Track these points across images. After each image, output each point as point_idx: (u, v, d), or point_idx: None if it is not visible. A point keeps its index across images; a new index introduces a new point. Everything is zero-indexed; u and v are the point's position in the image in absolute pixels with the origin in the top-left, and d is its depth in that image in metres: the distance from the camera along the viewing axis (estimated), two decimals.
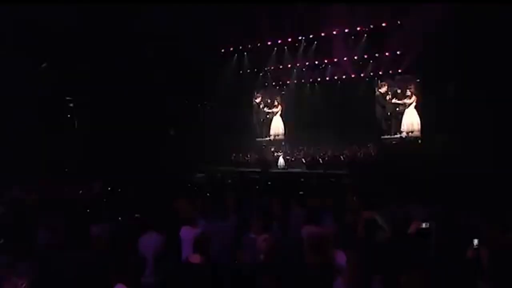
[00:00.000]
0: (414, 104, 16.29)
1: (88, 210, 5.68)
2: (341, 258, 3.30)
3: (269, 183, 8.64)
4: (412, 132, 16.35)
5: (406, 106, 16.66)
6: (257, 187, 6.99)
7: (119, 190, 8.41)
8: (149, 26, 13.33)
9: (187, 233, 4.38)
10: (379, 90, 16.82)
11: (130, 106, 13.82)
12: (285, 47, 17.13)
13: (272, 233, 4.01)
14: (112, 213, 5.45)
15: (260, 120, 20.03)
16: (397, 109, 17.09)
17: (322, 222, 4.36)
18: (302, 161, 15.76)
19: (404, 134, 16.50)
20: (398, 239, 3.51)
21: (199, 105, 18.40)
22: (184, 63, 15.62)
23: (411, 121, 16.39)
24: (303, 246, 3.49)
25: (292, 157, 16.38)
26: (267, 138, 19.60)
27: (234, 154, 17.30)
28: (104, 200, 7.31)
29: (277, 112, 19.62)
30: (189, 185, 9.96)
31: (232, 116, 18.62)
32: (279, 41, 16.88)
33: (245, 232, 4.11)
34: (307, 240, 3.48)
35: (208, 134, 17.22)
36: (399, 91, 16.97)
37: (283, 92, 19.61)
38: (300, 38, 16.51)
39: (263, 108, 20.04)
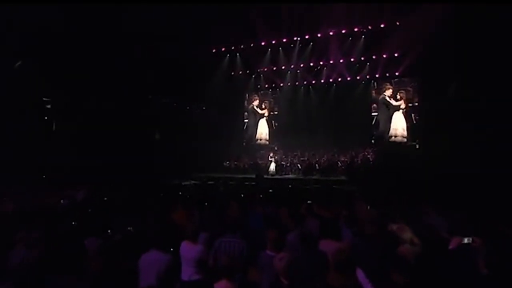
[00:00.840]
0: (403, 108, 16.27)
1: (73, 223, 5.13)
2: (361, 276, 2.98)
3: (271, 190, 8.18)
4: (395, 136, 16.31)
5: (396, 109, 16.58)
6: (260, 196, 6.51)
7: (105, 198, 7.83)
8: (137, 24, 13.02)
9: (188, 250, 3.92)
10: (384, 93, 16.57)
11: (113, 108, 13.48)
12: (280, 48, 16.89)
13: (289, 248, 3.62)
14: (100, 225, 4.93)
15: (254, 124, 19.83)
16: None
17: (340, 235, 3.98)
18: (297, 166, 15.45)
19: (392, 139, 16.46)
20: (436, 256, 3.16)
21: (187, 107, 18.09)
22: (173, 63, 15.40)
23: (395, 125, 16.41)
24: (324, 264, 3.14)
25: (287, 163, 16.03)
26: (254, 143, 19.35)
27: (226, 160, 17.05)
28: (90, 210, 6.74)
29: (263, 116, 19.28)
30: (180, 193, 9.55)
31: (223, 119, 18.53)
32: (274, 42, 16.63)
33: (257, 247, 3.69)
34: (333, 259, 3.11)
35: (198, 138, 16.92)
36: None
37: (274, 95, 19.42)
38: (295, 38, 16.24)
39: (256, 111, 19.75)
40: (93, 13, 12.26)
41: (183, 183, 12.65)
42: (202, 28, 14.71)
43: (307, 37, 15.97)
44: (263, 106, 19.55)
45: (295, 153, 17.14)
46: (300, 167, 15.35)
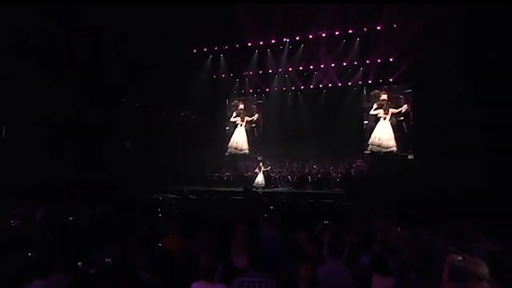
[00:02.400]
0: (388, 118, 16.10)
1: (29, 254, 4.11)
2: None
3: (272, 207, 7.41)
4: (372, 144, 16.16)
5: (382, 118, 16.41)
6: (265, 215, 5.71)
7: (69, 218, 6.73)
8: (107, 19, 12.37)
9: None
10: (380, 97, 16.33)
11: (77, 112, 12.53)
12: (268, 50, 16.33)
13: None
14: (67, 256, 3.96)
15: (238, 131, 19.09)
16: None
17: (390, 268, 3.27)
18: (288, 178, 14.85)
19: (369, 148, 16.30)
20: None
21: (164, 112, 17.21)
22: (149, 63, 14.62)
23: (376, 135, 16.27)
24: None
25: (276, 174, 15.37)
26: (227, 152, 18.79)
27: (208, 172, 16.12)
28: (49, 233, 5.67)
29: (246, 123, 18.80)
30: (159, 209, 8.86)
31: (204, 126, 17.83)
32: (261, 43, 16.04)
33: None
34: None
35: (176, 147, 16.07)
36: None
37: (259, 101, 18.81)
38: (285, 40, 15.80)
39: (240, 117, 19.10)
40: (56, 7, 11.44)
41: (160, 198, 11.82)
42: (182, 26, 14.09)
43: (297, 38, 15.51)
44: (247, 113, 18.94)
45: (283, 164, 16.54)
46: (290, 179, 14.75)
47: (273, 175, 15.13)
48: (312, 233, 4.46)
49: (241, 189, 13.08)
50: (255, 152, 18.29)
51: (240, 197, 12.06)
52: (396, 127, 16.00)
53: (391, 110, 16.04)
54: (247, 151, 18.58)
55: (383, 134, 16.23)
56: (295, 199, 11.45)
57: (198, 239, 4.58)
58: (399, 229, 4.70)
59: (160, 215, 8.03)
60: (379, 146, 16.22)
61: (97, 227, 6.02)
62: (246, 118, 18.67)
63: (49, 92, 11.42)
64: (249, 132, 18.70)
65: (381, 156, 15.67)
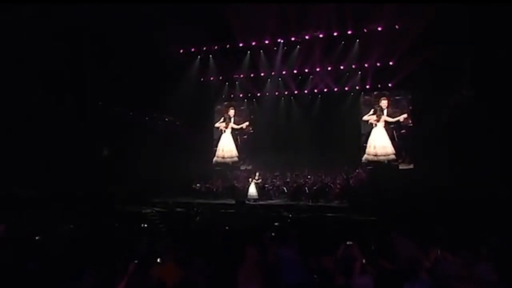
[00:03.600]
0: (381, 124, 15.95)
1: None
2: None
3: (276, 223, 6.75)
4: (368, 154, 15.96)
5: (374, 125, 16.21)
6: (272, 234, 5.04)
7: (37, 238, 5.87)
8: (83, 17, 11.86)
9: None
10: (379, 103, 16.08)
11: (51, 116, 12.14)
12: (261, 51, 15.80)
13: None
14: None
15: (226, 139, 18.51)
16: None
17: None
18: (283, 190, 14.31)
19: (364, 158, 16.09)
20: None
21: (146, 118, 16.57)
22: (130, 64, 14.10)
23: (371, 143, 16.06)
24: None
25: (270, 185, 14.82)
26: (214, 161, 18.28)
27: (195, 183, 15.53)
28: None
29: (224, 129, 18.29)
30: (143, 225, 8.60)
31: (190, 133, 17.36)
32: (254, 43, 15.50)
33: None
34: None
35: (159, 155, 15.46)
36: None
37: (250, 106, 18.40)
38: (279, 40, 15.33)
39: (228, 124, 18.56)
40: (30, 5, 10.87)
41: (143, 211, 11.23)
42: (167, 24, 13.51)
43: (293, 39, 15.06)
44: (237, 119, 18.45)
45: (275, 174, 15.99)
46: (286, 190, 14.20)
47: (267, 186, 14.56)
48: (337, 258, 3.77)
49: (233, 202, 12.49)
50: (244, 160, 17.84)
51: (232, 210, 11.44)
52: (394, 134, 15.74)
53: (384, 118, 15.85)
54: (236, 158, 18.06)
55: (378, 142, 16.00)
56: (294, 212, 10.84)
57: (196, 266, 3.83)
58: (439, 251, 4.06)
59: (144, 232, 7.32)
60: (375, 155, 15.95)
61: (69, 248, 5.20)
62: (232, 125, 18.18)
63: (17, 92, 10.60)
64: (237, 139, 18.20)
65: (381, 165, 15.37)
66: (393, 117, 15.74)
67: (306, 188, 13.73)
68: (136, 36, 13.43)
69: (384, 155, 15.81)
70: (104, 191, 12.15)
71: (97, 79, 13.42)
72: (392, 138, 15.63)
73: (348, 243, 4.25)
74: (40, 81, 11.84)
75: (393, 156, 15.59)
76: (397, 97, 15.96)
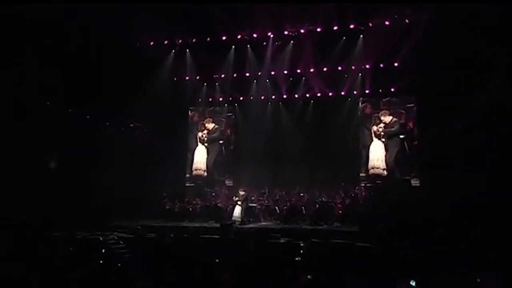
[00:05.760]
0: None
1: None
2: None
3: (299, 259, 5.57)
4: (373, 168, 15.68)
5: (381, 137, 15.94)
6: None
7: None
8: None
9: None
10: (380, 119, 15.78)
11: None
12: (248, 46, 14.80)
13: None
14: None
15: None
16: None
17: None
18: (275, 210, 13.41)
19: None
20: None
21: (107, 123, 15.67)
22: (88, 58, 13.21)
23: (373, 155, 15.85)
24: None
25: (259, 205, 13.85)
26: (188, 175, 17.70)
27: (167, 202, 14.64)
28: None
29: (215, 140, 17.65)
30: (103, 250, 8.84)
31: (161, 142, 16.48)
32: (239, 37, 14.46)
33: None
34: None
35: (123, 168, 14.37)
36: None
37: (231, 112, 17.74)
38: (269, 34, 14.31)
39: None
40: None
41: (101, 238, 10.24)
42: (136, 11, 12.65)
43: (286, 32, 14.12)
44: (216, 126, 17.74)
45: (262, 191, 15.12)
46: (278, 210, 13.26)
47: (255, 205, 13.60)
48: None
49: (216, 225, 11.61)
50: (223, 175, 17.15)
51: (217, 236, 10.40)
52: (398, 147, 15.45)
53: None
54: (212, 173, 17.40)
55: (375, 155, 15.78)
56: (292, 238, 9.74)
57: None
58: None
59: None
60: (384, 169, 15.62)
61: None
62: (204, 134, 17.60)
63: None
64: (213, 151, 17.56)
65: (394, 180, 15.04)
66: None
67: (303, 208, 12.92)
68: (93, 22, 12.54)
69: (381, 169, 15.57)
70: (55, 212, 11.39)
71: (43, 74, 12.31)
72: (401, 151, 15.26)
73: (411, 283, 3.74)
74: None
75: (383, 171, 15.44)
76: (398, 105, 15.68)
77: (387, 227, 9.76)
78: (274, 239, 9.82)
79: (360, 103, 16.13)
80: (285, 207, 13.07)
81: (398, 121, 15.51)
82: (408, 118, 15.41)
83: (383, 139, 15.60)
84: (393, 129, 15.53)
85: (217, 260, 7.52)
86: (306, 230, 11.04)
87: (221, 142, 17.47)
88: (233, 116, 17.57)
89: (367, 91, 15.76)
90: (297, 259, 6.16)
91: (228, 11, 13.26)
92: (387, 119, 15.55)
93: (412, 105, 15.42)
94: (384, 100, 15.83)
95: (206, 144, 17.51)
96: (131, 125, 16.44)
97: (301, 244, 7.68)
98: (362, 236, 9.79)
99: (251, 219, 13.06)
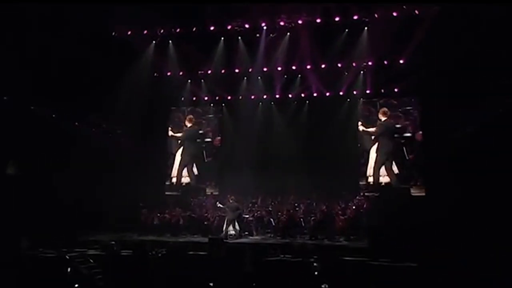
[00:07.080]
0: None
1: None
2: None
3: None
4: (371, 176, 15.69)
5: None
6: None
7: None
8: None
9: None
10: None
11: None
12: (239, 38, 14.25)
13: None
14: None
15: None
16: None
17: None
18: (270, 222, 12.93)
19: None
20: None
21: (76, 123, 15.16)
22: (54, 47, 12.59)
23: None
24: None
25: (251, 216, 13.34)
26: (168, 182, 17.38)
27: (146, 213, 14.06)
28: None
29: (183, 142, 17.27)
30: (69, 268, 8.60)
31: (138, 146, 16.31)
32: (229, 27, 13.91)
33: None
34: None
35: (95, 175, 14.30)
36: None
37: (218, 113, 17.40)
38: (262, 25, 13.75)
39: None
40: None
41: (68, 255, 9.71)
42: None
43: (282, 23, 13.55)
44: (199, 128, 17.38)
45: (253, 201, 14.67)
46: (273, 223, 12.77)
47: (247, 216, 13.14)
48: None
49: (204, 240, 11.05)
50: (207, 182, 16.78)
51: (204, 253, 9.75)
52: (398, 153, 15.37)
53: None
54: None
55: (374, 161, 15.71)
56: (293, 256, 9.09)
57: None
58: None
59: None
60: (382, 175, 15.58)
61: None
62: (186, 135, 17.13)
63: None
64: (196, 155, 17.13)
65: (398, 191, 14.82)
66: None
67: (302, 220, 12.40)
68: (60, 7, 12.00)
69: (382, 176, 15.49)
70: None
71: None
72: (401, 157, 15.17)
73: None
74: None
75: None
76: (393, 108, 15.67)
77: (400, 241, 9.32)
78: (273, 256, 9.10)
79: (360, 104, 15.93)
80: (281, 219, 12.55)
81: (394, 124, 15.42)
82: (407, 122, 15.32)
83: (382, 143, 15.40)
84: (392, 132, 15.37)
85: (211, 284, 6.71)
86: (309, 245, 10.41)
87: (204, 146, 17.09)
88: (220, 117, 17.26)
89: (368, 91, 15.52)
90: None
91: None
92: (387, 121, 15.42)
93: (411, 107, 15.32)
94: (380, 101, 15.74)
95: (188, 148, 17.02)
96: (104, 125, 16.03)
97: (314, 264, 6.85)
98: (375, 251, 9.25)
99: (246, 233, 12.58)
